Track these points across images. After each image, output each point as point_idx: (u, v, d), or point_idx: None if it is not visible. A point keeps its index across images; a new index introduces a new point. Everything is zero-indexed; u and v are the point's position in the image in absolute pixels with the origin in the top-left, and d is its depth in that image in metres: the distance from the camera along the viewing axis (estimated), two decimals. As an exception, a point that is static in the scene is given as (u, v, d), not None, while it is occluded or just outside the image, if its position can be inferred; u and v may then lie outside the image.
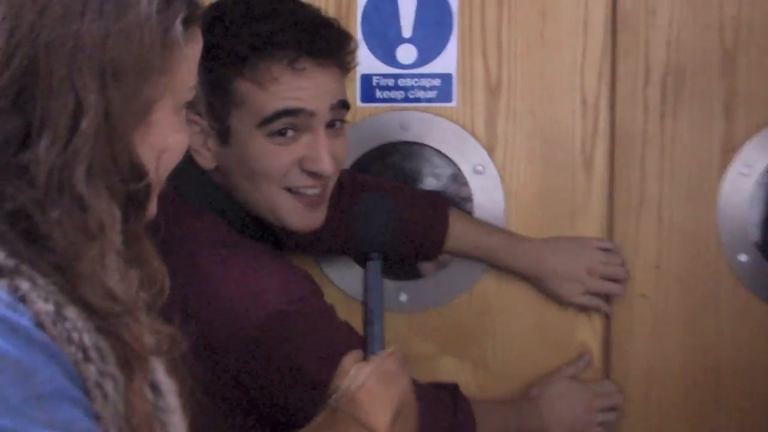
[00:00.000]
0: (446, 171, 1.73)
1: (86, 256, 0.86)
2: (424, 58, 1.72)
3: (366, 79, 1.72)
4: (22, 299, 0.83)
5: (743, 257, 1.69)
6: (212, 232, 1.39)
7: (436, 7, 1.70)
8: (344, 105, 1.41)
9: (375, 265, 1.16)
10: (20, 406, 0.80)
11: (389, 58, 1.72)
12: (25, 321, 0.82)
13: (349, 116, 1.66)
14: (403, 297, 1.72)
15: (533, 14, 1.69)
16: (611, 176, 1.70)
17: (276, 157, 1.36)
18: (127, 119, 0.87)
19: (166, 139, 0.93)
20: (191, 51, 0.92)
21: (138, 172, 0.89)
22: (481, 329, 1.74)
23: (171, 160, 0.95)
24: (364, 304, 1.16)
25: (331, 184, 1.43)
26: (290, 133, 1.36)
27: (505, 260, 1.69)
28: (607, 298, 1.70)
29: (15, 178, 0.85)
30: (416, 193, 1.71)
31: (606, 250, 1.69)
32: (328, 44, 1.37)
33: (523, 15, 1.69)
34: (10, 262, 0.83)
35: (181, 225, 1.35)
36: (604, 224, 1.71)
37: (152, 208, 0.96)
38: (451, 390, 1.57)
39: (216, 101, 1.34)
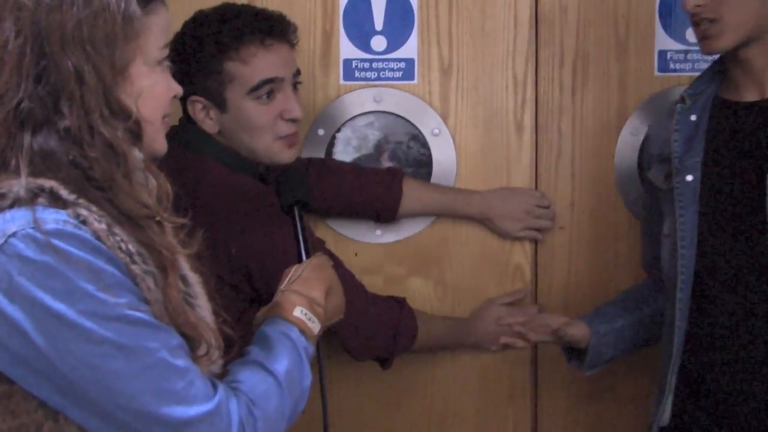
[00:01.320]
0: (410, 134, 2.09)
1: (118, 177, 1.10)
2: (392, 46, 2.08)
3: (347, 62, 2.08)
4: (83, 222, 1.05)
5: (633, 196, 2.08)
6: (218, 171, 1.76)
7: (401, 6, 2.06)
8: (299, 72, 1.83)
9: (298, 210, 1.54)
10: (96, 294, 1.03)
11: (365, 46, 2.08)
12: (88, 236, 1.05)
13: (333, 92, 2.09)
14: (378, 232, 2.09)
15: (476, 12, 2.07)
16: (536, 137, 2.08)
17: (263, 114, 1.77)
18: (110, 76, 1.10)
19: (141, 88, 1.14)
20: (154, 20, 1.14)
21: (126, 112, 1.12)
22: (440, 255, 2.10)
23: (153, 103, 1.16)
24: (295, 233, 1.52)
25: (299, 125, 1.84)
26: (269, 95, 1.77)
27: (460, 211, 2.05)
28: (539, 230, 2.08)
29: (67, 139, 1.09)
30: (374, 170, 2.05)
31: (538, 197, 2.06)
32: (282, 27, 1.80)
33: (467, 13, 2.07)
34: (71, 197, 1.06)
35: (197, 170, 1.74)
36: (531, 173, 2.09)
37: (161, 143, 1.19)
38: (400, 301, 1.93)
39: (212, 82, 1.74)
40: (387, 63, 2.09)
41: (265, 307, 1.32)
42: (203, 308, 1.20)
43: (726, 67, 1.71)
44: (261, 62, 1.75)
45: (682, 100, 1.74)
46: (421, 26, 2.08)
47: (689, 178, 1.68)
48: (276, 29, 1.77)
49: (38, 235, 1.03)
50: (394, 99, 2.09)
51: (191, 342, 1.13)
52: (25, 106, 1.07)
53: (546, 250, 2.11)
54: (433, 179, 2.11)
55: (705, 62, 2.07)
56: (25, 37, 1.07)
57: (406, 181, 2.03)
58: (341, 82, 2.09)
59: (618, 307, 1.89)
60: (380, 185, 2.01)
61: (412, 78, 2.09)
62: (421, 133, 2.10)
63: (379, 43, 2.09)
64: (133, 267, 1.08)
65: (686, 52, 2.09)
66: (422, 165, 2.11)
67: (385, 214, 2.04)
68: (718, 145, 1.68)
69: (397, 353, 1.90)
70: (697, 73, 2.05)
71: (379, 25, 2.08)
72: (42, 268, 1.02)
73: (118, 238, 1.07)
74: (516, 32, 2.08)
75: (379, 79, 2.09)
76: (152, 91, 1.16)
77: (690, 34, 2.08)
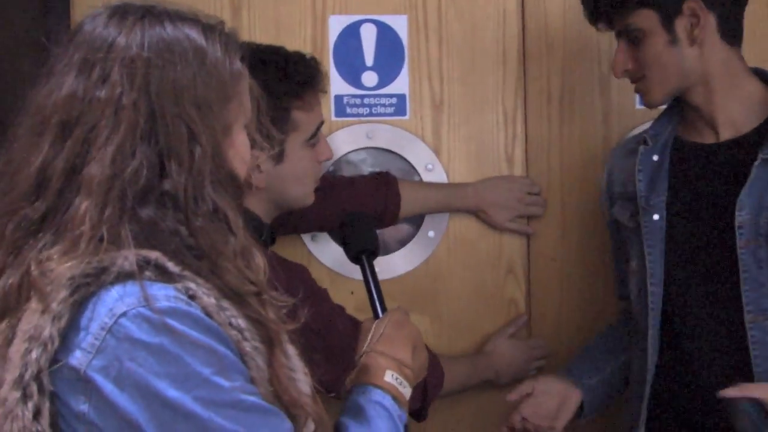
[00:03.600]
0: (404, 169, 2.09)
1: (225, 251, 1.03)
2: (384, 81, 2.07)
3: (338, 99, 2.06)
4: (192, 297, 0.98)
5: (619, 227, 2.14)
6: None
7: (391, 42, 2.07)
8: None
9: (369, 260, 1.48)
10: (211, 379, 0.96)
11: (356, 82, 2.07)
12: (200, 313, 0.98)
13: (325, 128, 2.03)
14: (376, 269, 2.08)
15: (466, 49, 2.09)
16: (526, 170, 2.11)
17: (313, 160, 1.72)
18: (220, 139, 1.05)
19: (246, 152, 1.10)
20: (246, 77, 1.13)
21: (234, 179, 1.07)
22: (435, 291, 2.10)
23: (244, 166, 1.11)
24: (366, 284, 1.46)
25: None
26: (316, 140, 1.73)
27: (455, 205, 2.05)
28: (528, 221, 2.09)
29: (169, 205, 1.02)
30: (367, 177, 2.01)
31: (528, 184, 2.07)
32: (321, 70, 1.74)
33: (457, 49, 2.09)
34: (177, 269, 0.99)
35: None
36: (523, 206, 2.11)
37: None
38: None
39: (276, 131, 1.58)
40: (378, 99, 2.08)
41: (352, 373, 1.25)
42: (303, 382, 1.11)
43: (682, 108, 1.77)
44: (317, 109, 1.70)
45: (645, 141, 1.78)
46: (412, 62, 2.08)
47: (656, 217, 1.72)
48: (321, 73, 1.72)
49: (151, 314, 0.95)
50: (387, 135, 2.08)
51: (297, 421, 1.06)
52: (142, 174, 0.99)
53: (538, 282, 2.14)
54: (428, 214, 2.10)
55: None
56: (139, 93, 1.00)
57: (401, 184, 2.00)
58: (333, 118, 2.07)
59: (602, 353, 1.92)
60: (377, 193, 1.97)
61: (404, 114, 2.08)
62: (414, 168, 2.09)
63: (370, 78, 2.08)
64: (244, 344, 1.01)
65: (665, 86, 2.15)
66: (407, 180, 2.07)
67: (387, 219, 2.00)
68: (681, 186, 1.74)
69: (428, 405, 1.83)
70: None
71: (369, 61, 2.07)
72: (157, 352, 0.94)
73: (228, 314, 1.00)
74: (505, 68, 2.11)
75: (371, 114, 2.08)
76: (246, 153, 1.10)
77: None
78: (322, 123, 1.73)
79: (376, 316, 1.41)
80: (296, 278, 1.67)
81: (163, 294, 0.97)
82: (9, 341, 0.97)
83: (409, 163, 2.09)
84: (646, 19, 1.64)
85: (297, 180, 1.70)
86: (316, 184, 1.75)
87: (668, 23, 1.63)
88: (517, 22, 2.11)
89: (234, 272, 1.03)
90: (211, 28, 1.08)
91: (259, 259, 1.09)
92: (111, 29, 1.04)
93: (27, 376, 0.95)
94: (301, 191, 1.72)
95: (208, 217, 1.02)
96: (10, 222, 1.02)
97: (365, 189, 1.97)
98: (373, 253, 1.50)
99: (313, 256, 2.07)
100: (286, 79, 1.64)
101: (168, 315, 0.95)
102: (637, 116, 2.14)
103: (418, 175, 2.09)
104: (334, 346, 1.58)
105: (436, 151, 2.10)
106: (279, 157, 1.66)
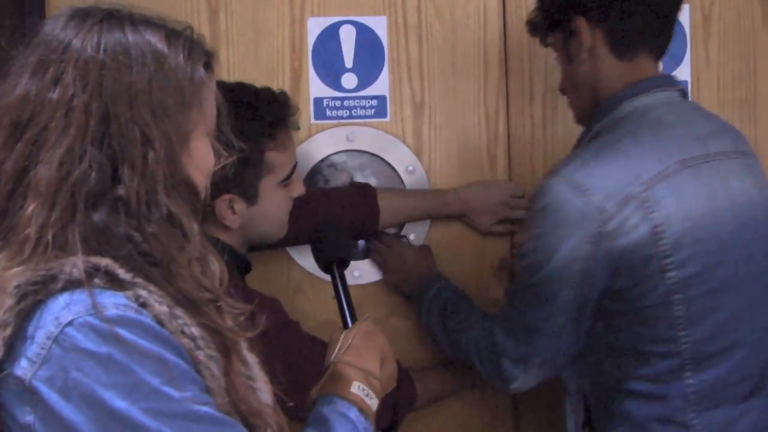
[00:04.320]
0: (385, 172, 2.06)
1: (179, 258, 1.01)
2: (363, 83, 2.05)
3: (318, 101, 2.04)
4: (143, 305, 0.97)
5: (604, 228, 2.13)
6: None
7: (370, 43, 2.04)
8: None
9: (339, 269, 1.47)
10: (160, 389, 0.94)
11: (336, 84, 2.04)
12: (150, 321, 0.96)
13: (304, 132, 2.03)
14: (356, 273, 2.04)
15: (446, 49, 2.06)
16: (509, 171, 2.09)
17: (287, 199, 1.73)
18: (176, 146, 1.03)
19: (206, 161, 1.10)
20: (212, 87, 1.11)
21: (190, 186, 1.06)
22: (418, 294, 2.06)
23: (203, 177, 1.09)
24: (336, 294, 1.44)
25: None
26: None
27: (438, 213, 2.03)
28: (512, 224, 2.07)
29: (122, 210, 1.00)
30: (345, 190, 1.99)
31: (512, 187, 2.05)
32: (293, 107, 1.74)
33: (438, 49, 2.06)
34: (128, 276, 0.97)
35: None
36: (506, 207, 2.09)
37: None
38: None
39: (248, 174, 1.62)
40: (358, 101, 2.05)
41: (318, 383, 1.23)
42: (263, 391, 1.09)
43: None
44: (291, 148, 1.70)
45: None
46: (392, 63, 2.06)
47: None
48: (292, 108, 1.70)
49: (99, 323, 0.93)
50: (367, 137, 2.06)
51: (256, 431, 1.04)
52: (91, 177, 0.98)
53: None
54: (410, 217, 2.07)
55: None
56: (91, 95, 0.99)
57: (381, 195, 1.97)
58: (312, 121, 2.04)
59: None
60: (354, 206, 1.94)
61: (384, 115, 2.06)
62: (395, 170, 2.07)
63: (349, 80, 2.05)
64: (197, 353, 0.99)
65: (649, 84, 2.12)
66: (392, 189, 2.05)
67: (365, 232, 1.99)
68: None
69: (399, 422, 1.80)
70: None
71: (349, 62, 2.05)
72: (104, 362, 0.92)
73: (180, 322, 0.98)
74: (486, 68, 2.08)
75: (351, 117, 2.05)
76: (206, 163, 1.09)
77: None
78: (296, 165, 1.72)
79: (345, 327, 1.40)
80: (266, 310, 1.63)
81: (112, 302, 0.95)
82: None
83: (390, 165, 2.07)
84: (556, 40, 1.73)
85: (270, 219, 1.70)
86: (287, 218, 1.75)
87: (567, 42, 1.70)
88: (499, 21, 2.09)
89: (188, 279, 1.02)
90: (175, 34, 1.07)
91: (215, 266, 1.07)
92: (69, 31, 1.03)
93: None
94: (275, 228, 1.73)
95: (161, 223, 1.01)
96: None
97: (342, 202, 1.94)
98: (344, 262, 1.48)
99: (293, 260, 2.04)
100: (257, 120, 1.62)
101: (116, 324, 0.93)
102: (622, 115, 2.11)
103: (400, 177, 2.07)
104: (292, 360, 1.56)
105: (418, 153, 2.07)
106: (252, 199, 1.65)
